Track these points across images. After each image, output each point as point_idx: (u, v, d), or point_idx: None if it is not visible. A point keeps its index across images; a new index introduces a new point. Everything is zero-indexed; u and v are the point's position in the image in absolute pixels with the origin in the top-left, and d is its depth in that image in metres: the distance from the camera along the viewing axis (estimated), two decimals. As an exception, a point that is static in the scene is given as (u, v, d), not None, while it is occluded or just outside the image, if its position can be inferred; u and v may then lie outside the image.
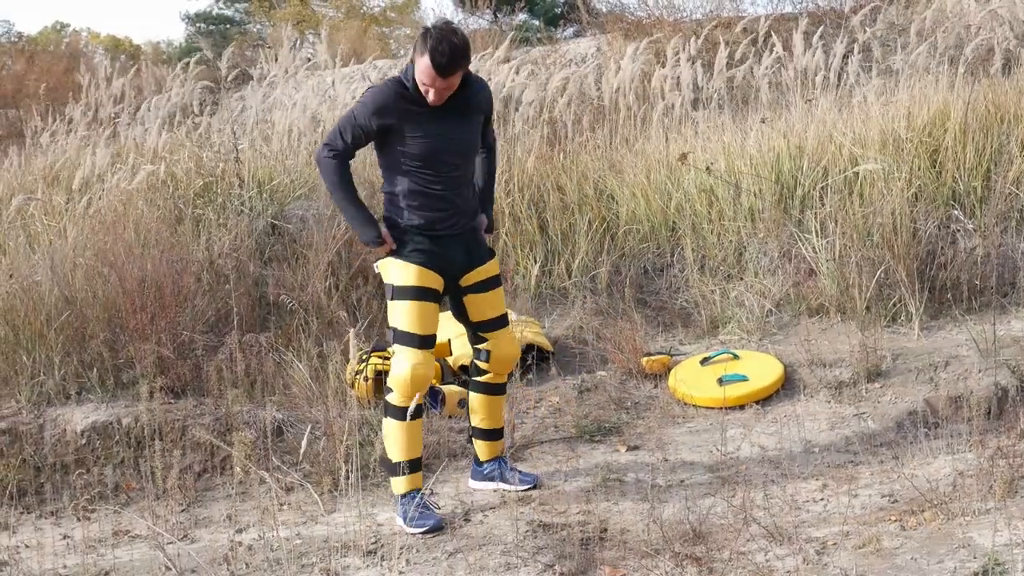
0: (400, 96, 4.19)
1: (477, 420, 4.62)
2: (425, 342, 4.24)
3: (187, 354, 5.61)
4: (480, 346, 4.51)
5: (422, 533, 4.16)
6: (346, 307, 6.19)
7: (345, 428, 4.54)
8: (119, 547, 4.22)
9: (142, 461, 4.80)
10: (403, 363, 4.21)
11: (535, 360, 5.90)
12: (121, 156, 8.14)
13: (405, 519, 4.21)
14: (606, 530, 4.06)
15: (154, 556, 4.00)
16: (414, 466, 4.31)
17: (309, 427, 4.28)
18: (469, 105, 4.31)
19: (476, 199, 4.49)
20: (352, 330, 4.28)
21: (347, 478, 4.25)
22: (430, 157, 4.23)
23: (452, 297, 4.46)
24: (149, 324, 5.56)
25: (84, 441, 5.02)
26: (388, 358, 5.54)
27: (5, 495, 4.64)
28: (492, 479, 4.64)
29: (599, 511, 4.26)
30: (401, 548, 3.97)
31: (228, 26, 25.86)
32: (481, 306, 4.45)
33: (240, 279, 6.17)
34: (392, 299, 4.27)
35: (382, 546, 4.02)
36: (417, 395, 4.14)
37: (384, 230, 4.30)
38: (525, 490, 4.55)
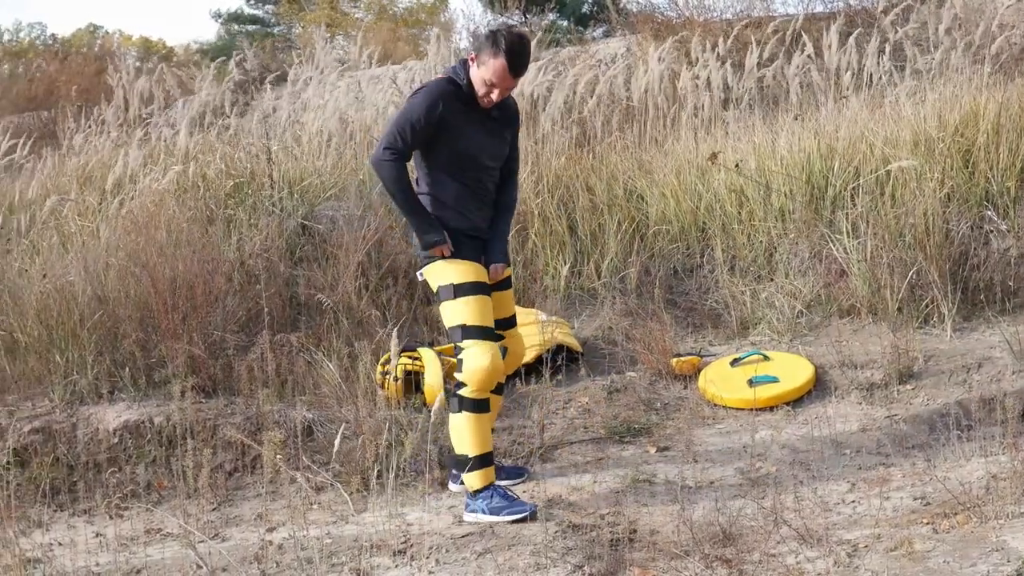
0: (453, 94, 4.26)
1: None
2: (492, 333, 4.30)
3: (218, 354, 5.64)
4: (499, 344, 4.51)
5: (518, 520, 4.19)
6: (376, 307, 6.20)
7: (375, 428, 4.55)
8: (151, 545, 4.24)
9: (174, 460, 4.83)
10: (482, 356, 4.22)
11: (564, 361, 5.90)
12: (152, 157, 8.20)
13: (489, 512, 4.24)
14: (635, 531, 4.05)
15: (185, 554, 4.02)
16: (488, 459, 4.34)
17: (342, 427, 4.29)
18: (507, 114, 4.46)
19: None
20: (395, 332, 4.28)
21: (377, 478, 4.26)
22: (475, 159, 4.33)
23: None
24: (181, 324, 5.59)
25: (116, 440, 5.06)
26: (417, 358, 5.58)
27: (39, 493, 4.68)
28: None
29: (628, 512, 4.25)
30: (430, 548, 3.98)
31: (257, 27, 25.99)
32: (502, 304, 4.53)
33: (271, 279, 6.19)
34: (454, 298, 4.28)
35: (411, 546, 4.03)
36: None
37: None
38: (517, 482, 4.66)
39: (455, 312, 4.29)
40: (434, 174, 4.35)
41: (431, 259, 4.34)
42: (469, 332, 4.26)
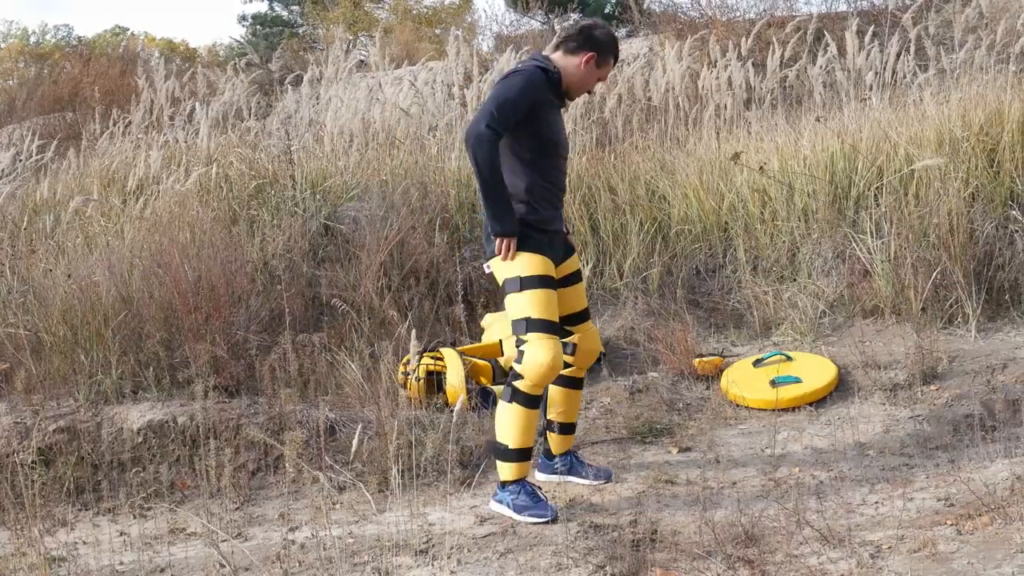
0: (545, 82, 4.31)
1: (555, 413, 4.64)
2: (556, 328, 4.29)
3: (241, 354, 5.66)
4: (566, 339, 4.48)
5: (537, 523, 4.21)
6: (398, 307, 6.21)
7: (396, 428, 4.56)
8: (175, 544, 4.27)
9: (197, 459, 4.85)
10: (544, 351, 4.19)
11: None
12: (175, 158, 8.23)
13: (513, 508, 4.27)
14: (657, 531, 4.05)
15: (209, 553, 4.04)
16: (526, 455, 4.35)
17: (360, 427, 4.31)
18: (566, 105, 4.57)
19: None
20: (413, 332, 4.30)
21: (398, 478, 4.27)
22: (553, 149, 4.35)
23: None
24: (204, 324, 5.62)
25: (140, 439, 5.08)
26: (440, 359, 5.59)
27: (63, 492, 4.71)
28: (560, 473, 4.69)
29: (650, 512, 4.25)
30: (452, 548, 3.98)
31: (283, 28, 26.06)
32: (569, 299, 4.47)
33: (293, 279, 6.21)
34: (521, 290, 4.24)
35: (433, 545, 4.04)
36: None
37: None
38: (599, 484, 4.60)
39: (520, 305, 4.26)
40: (513, 163, 4.27)
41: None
42: (533, 325, 4.22)
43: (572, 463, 4.70)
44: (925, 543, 3.62)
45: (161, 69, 9.70)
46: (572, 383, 4.62)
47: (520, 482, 4.32)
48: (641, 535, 3.99)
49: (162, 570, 4.02)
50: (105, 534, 4.36)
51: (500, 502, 4.33)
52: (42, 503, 4.51)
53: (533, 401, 4.29)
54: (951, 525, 3.78)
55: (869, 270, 6.33)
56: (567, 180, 4.58)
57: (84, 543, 4.28)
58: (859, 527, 3.91)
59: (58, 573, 3.92)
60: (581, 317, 4.54)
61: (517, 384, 4.26)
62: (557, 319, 4.29)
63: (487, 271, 4.43)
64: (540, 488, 4.40)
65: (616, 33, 4.45)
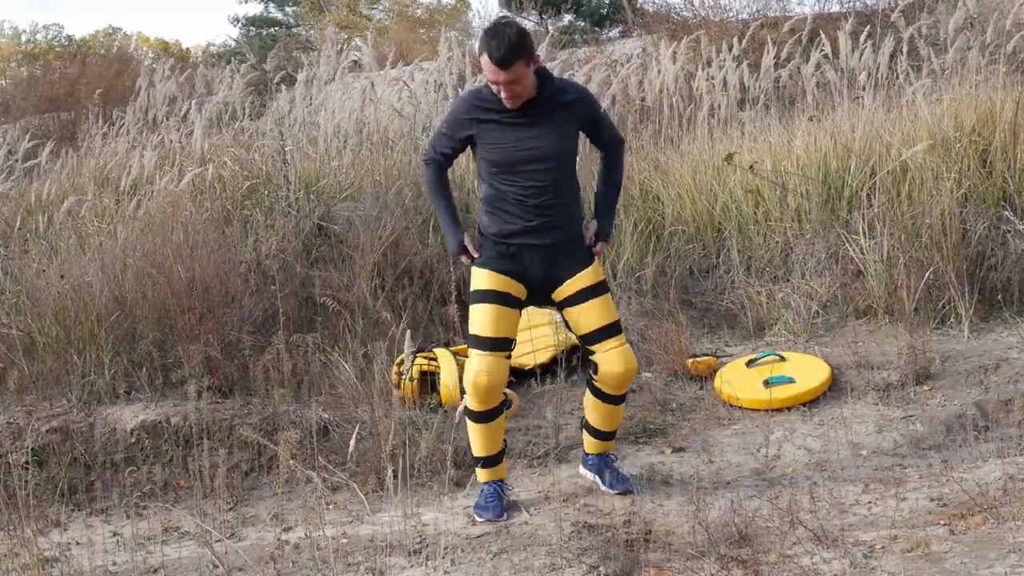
0: (475, 104, 4.21)
1: (587, 414, 4.60)
2: (495, 345, 4.23)
3: (234, 354, 5.66)
4: (590, 358, 4.39)
5: (483, 520, 4.33)
6: (392, 308, 6.21)
7: (390, 428, 4.56)
8: (168, 544, 4.26)
9: (190, 460, 4.84)
10: (471, 369, 4.25)
11: (580, 361, 5.89)
12: (169, 159, 8.22)
13: (474, 508, 4.42)
14: (651, 531, 4.05)
15: (202, 554, 4.04)
16: (489, 461, 4.45)
17: (357, 427, 4.31)
18: (551, 111, 4.19)
19: (574, 210, 4.36)
20: (408, 332, 4.31)
21: (392, 478, 4.27)
22: (506, 165, 4.18)
23: (557, 309, 4.46)
24: (197, 324, 5.61)
25: (134, 440, 5.08)
26: (433, 359, 5.59)
27: (56, 493, 4.70)
28: (591, 471, 4.69)
29: (644, 512, 4.25)
30: (446, 548, 3.98)
31: (277, 29, 26.03)
32: (578, 319, 4.30)
33: (287, 280, 6.21)
34: (470, 303, 4.32)
35: (427, 546, 4.04)
36: (471, 397, 4.29)
37: (468, 240, 4.35)
38: (617, 493, 4.49)
39: (470, 317, 4.30)
40: (481, 179, 4.35)
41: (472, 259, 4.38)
42: (471, 341, 4.27)
43: (600, 466, 4.62)
44: (918, 543, 3.62)
45: (152, 70, 9.69)
46: (601, 395, 4.44)
47: (487, 483, 4.46)
48: (635, 535, 4.00)
49: (155, 570, 4.02)
50: (98, 534, 4.36)
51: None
52: (35, 503, 4.50)
53: (481, 416, 4.33)
54: (944, 525, 3.79)
55: (862, 270, 6.34)
56: (549, 189, 4.23)
57: (77, 543, 4.28)
58: (852, 527, 3.92)
59: (51, 574, 3.91)
60: (595, 337, 4.29)
61: (465, 400, 4.33)
62: (500, 335, 4.24)
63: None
64: (507, 491, 4.51)
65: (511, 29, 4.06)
